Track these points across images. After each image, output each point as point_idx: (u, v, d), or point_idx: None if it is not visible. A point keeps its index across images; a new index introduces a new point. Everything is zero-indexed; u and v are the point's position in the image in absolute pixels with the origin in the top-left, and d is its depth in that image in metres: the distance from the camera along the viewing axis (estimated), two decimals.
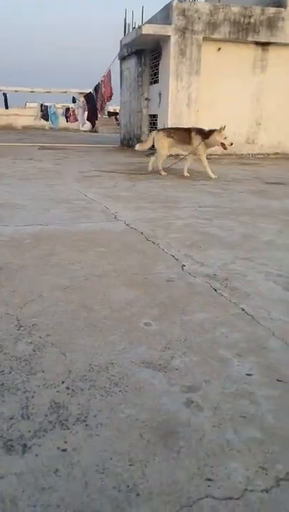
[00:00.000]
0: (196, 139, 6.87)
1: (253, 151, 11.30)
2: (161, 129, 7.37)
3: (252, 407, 1.36)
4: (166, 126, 7.74)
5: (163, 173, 7.31)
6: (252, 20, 10.27)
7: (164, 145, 7.17)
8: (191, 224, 3.85)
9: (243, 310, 2.10)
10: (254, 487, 1.04)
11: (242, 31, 10.30)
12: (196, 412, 1.33)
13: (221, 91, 10.67)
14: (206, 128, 6.94)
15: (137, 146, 7.72)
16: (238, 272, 2.65)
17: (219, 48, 10.51)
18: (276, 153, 11.40)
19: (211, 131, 6.83)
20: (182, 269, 2.66)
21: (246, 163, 9.87)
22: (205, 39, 10.21)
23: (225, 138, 6.75)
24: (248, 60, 10.79)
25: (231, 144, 6.84)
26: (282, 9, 10.37)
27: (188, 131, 7.05)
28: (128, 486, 1.04)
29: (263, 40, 10.51)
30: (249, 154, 11.22)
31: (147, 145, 7.57)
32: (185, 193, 5.51)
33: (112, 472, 1.08)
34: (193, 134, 6.92)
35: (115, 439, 1.21)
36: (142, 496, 1.01)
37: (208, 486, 1.04)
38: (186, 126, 7.31)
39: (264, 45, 10.69)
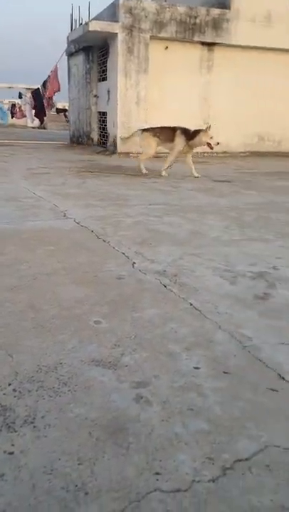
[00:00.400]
0: (180, 138, 6.84)
1: (201, 149, 11.48)
2: (147, 129, 7.19)
3: (199, 400, 1.39)
4: (151, 126, 7.36)
5: (145, 171, 7.18)
6: (198, 20, 10.43)
7: (152, 144, 7.03)
8: (142, 221, 3.86)
9: (191, 305, 2.13)
10: (201, 478, 1.07)
11: (188, 31, 10.44)
12: (146, 407, 1.34)
13: (170, 90, 10.77)
14: (192, 128, 6.90)
15: (120, 139, 7.52)
16: (186, 267, 2.69)
17: (166, 47, 10.60)
18: (224, 152, 11.65)
19: (197, 132, 6.81)
20: (133, 267, 2.67)
21: (195, 161, 10.01)
22: (152, 38, 10.25)
23: (211, 138, 6.75)
24: (195, 60, 10.95)
25: (218, 143, 6.84)
26: (227, 10, 10.59)
27: (173, 130, 6.99)
28: (76, 486, 1.03)
29: (208, 40, 10.70)
30: (198, 153, 11.40)
31: (129, 141, 7.41)
32: (135, 191, 5.53)
33: (60, 473, 1.07)
34: (177, 132, 6.88)
35: (64, 439, 1.19)
36: (91, 495, 1.01)
37: (157, 479, 1.05)
38: (171, 125, 7.15)
39: (210, 45, 10.88)
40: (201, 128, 6.88)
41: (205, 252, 3.02)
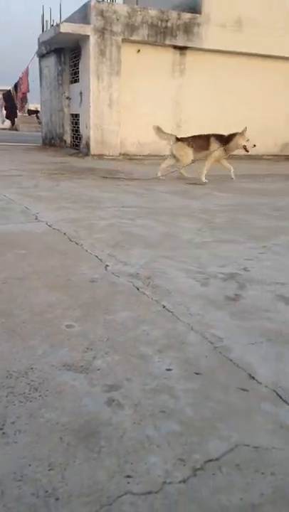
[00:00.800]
0: (215, 144, 6.82)
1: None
2: (181, 139, 7.08)
3: (171, 402, 1.39)
4: (187, 136, 7.29)
5: (186, 174, 7.16)
6: (169, 24, 10.52)
7: (188, 153, 7.00)
8: (115, 224, 3.86)
9: (164, 307, 2.15)
10: (172, 479, 1.07)
11: (160, 34, 10.52)
12: (117, 410, 1.34)
13: (142, 93, 10.82)
14: (226, 133, 6.91)
15: (156, 128, 7.21)
16: (159, 270, 2.70)
17: (138, 50, 10.64)
18: None
19: (232, 135, 6.76)
20: (106, 269, 2.67)
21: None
22: (124, 40, 10.28)
23: (247, 140, 6.69)
24: (167, 63, 11.04)
25: (254, 145, 6.78)
26: (198, 15, 10.73)
27: (207, 137, 6.97)
28: (47, 491, 1.02)
29: (180, 44, 10.80)
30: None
31: (164, 137, 7.20)
32: (109, 194, 5.52)
33: (30, 478, 1.06)
34: (212, 139, 6.86)
35: (34, 444, 1.18)
36: (62, 500, 1.00)
37: (128, 482, 1.05)
38: (204, 133, 7.06)
39: (182, 49, 10.99)
40: (236, 132, 6.80)
41: (177, 255, 3.04)
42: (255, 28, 11.11)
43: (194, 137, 7.13)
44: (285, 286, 2.50)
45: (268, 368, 1.63)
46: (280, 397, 1.45)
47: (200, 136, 7.11)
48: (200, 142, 6.98)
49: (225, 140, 6.86)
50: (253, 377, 1.56)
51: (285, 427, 1.30)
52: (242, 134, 6.73)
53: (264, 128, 11.99)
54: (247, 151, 6.97)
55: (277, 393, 1.47)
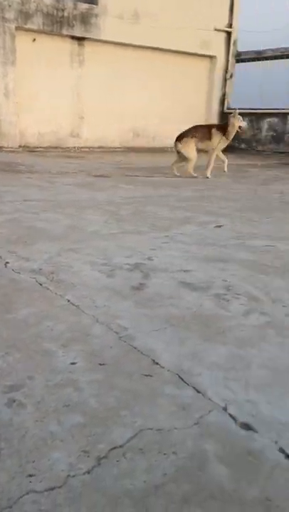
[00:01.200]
0: (217, 136, 6.79)
1: (78, 144, 11.45)
2: (183, 134, 6.87)
3: (75, 395, 1.38)
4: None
5: (196, 175, 6.98)
6: (65, 14, 10.31)
7: (193, 148, 6.82)
8: (17, 218, 3.72)
9: (68, 301, 2.12)
10: (76, 472, 1.07)
11: (56, 24, 10.27)
12: (19, 410, 1.30)
13: (41, 83, 10.51)
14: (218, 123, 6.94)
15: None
16: (64, 264, 2.66)
17: (34, 39, 10.31)
18: (100, 147, 11.76)
19: (227, 123, 6.82)
20: (5, 266, 2.56)
21: (72, 156, 9.96)
22: (18, 28, 9.89)
23: (241, 121, 6.78)
24: (65, 54, 10.83)
25: (246, 123, 6.98)
26: (94, 6, 10.65)
27: (208, 127, 6.97)
28: None
29: (78, 34, 10.65)
30: (75, 147, 11.35)
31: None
32: (9, 187, 5.30)
33: None
34: (213, 130, 6.82)
35: None
36: None
37: (30, 481, 1.03)
38: (205, 124, 7.01)
39: (80, 39, 10.85)
40: (229, 118, 6.90)
41: (83, 247, 3.01)
42: (152, 21, 11.32)
43: (196, 127, 7.07)
44: (187, 273, 2.59)
45: (171, 352, 1.69)
46: (182, 380, 1.51)
47: (202, 126, 7.20)
48: (202, 132, 6.96)
49: (223, 129, 6.97)
50: (157, 363, 1.60)
51: (186, 407, 1.36)
52: (234, 115, 6.89)
53: (163, 119, 12.29)
54: (242, 131, 7.21)
55: (179, 376, 1.53)
